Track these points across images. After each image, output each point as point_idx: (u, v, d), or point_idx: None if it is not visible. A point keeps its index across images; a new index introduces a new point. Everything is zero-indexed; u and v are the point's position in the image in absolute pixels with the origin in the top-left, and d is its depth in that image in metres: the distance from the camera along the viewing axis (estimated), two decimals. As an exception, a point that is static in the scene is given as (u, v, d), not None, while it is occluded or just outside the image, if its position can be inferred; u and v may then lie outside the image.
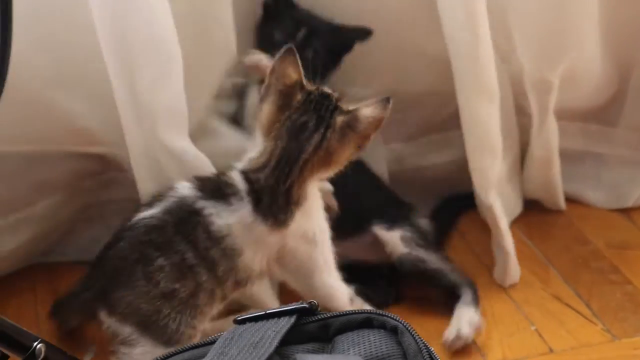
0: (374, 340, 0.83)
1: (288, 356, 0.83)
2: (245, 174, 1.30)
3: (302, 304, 0.87)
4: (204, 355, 0.84)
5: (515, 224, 1.67)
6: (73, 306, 1.37)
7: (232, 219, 1.28)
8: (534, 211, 1.70)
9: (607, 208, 1.71)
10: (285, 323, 0.85)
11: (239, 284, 1.31)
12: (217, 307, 1.32)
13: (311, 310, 0.87)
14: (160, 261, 1.27)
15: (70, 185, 1.59)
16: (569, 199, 1.71)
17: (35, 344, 1.00)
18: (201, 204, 1.28)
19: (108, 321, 1.29)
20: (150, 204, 1.31)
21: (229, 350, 0.82)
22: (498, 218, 1.51)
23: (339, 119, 1.28)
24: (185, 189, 1.30)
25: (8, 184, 1.53)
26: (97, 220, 1.62)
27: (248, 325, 0.86)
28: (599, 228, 1.66)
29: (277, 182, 1.28)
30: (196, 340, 1.23)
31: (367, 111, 1.28)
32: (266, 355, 0.81)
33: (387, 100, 1.27)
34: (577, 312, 1.47)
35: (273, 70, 1.30)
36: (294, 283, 1.37)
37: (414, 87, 1.61)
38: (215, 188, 1.30)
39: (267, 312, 0.88)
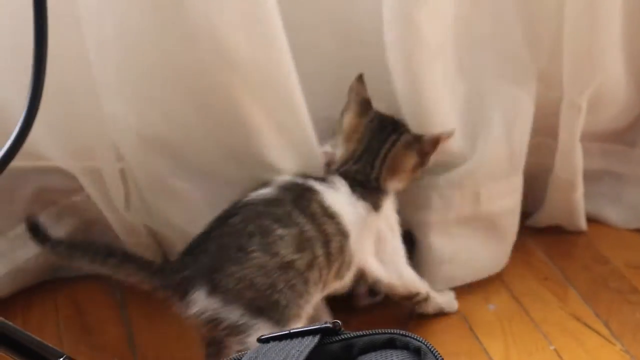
0: (397, 360, 0.83)
1: (312, 376, 0.83)
2: (337, 169, 1.43)
3: (326, 323, 0.86)
4: (228, 373, 0.84)
5: (534, 242, 1.67)
6: (161, 283, 1.31)
7: (339, 197, 1.39)
8: (553, 229, 1.69)
9: (627, 228, 1.71)
10: (309, 342, 0.85)
11: (340, 271, 1.36)
12: (319, 294, 1.35)
13: (335, 330, 0.87)
14: (280, 231, 1.30)
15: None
16: (589, 219, 1.70)
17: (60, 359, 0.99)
18: (312, 182, 1.39)
19: (206, 303, 1.27)
20: (262, 186, 1.37)
21: (254, 369, 0.82)
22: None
23: (406, 134, 1.45)
24: (291, 177, 1.40)
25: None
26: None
27: (272, 344, 0.86)
28: (618, 248, 1.66)
29: (365, 169, 1.43)
30: (301, 323, 1.30)
31: (428, 134, 1.44)
32: (290, 375, 0.81)
33: (450, 132, 1.44)
34: (596, 332, 1.46)
35: (351, 89, 1.45)
36: (385, 273, 1.44)
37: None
38: (319, 177, 1.41)
39: (291, 331, 0.87)
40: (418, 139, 1.44)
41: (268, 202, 1.34)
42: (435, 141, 1.43)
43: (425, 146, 1.43)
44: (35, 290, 1.59)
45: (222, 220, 1.33)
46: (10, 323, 0.98)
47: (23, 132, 0.72)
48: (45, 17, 0.76)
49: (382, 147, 1.43)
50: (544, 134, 1.65)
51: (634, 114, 1.70)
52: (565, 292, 1.55)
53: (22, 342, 0.98)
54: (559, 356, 1.41)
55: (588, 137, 1.65)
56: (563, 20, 1.51)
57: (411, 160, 1.44)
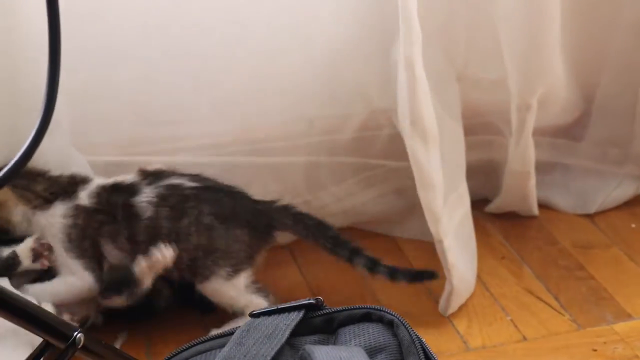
0: (373, 332, 0.84)
1: (297, 346, 0.84)
2: None
3: (309, 300, 0.88)
4: (223, 345, 0.85)
5: (492, 226, 1.68)
6: None
7: None
8: (509, 215, 1.71)
9: (574, 213, 1.72)
10: (295, 317, 0.86)
11: None
12: None
13: (317, 305, 0.88)
14: None
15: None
16: (541, 205, 1.71)
17: (76, 333, 1.00)
18: None
19: None
20: None
21: (246, 341, 0.83)
22: (447, 252, 1.42)
23: None
24: None
25: None
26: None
27: (262, 318, 0.87)
28: (566, 230, 1.67)
29: None
30: None
31: None
32: (279, 345, 0.82)
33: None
34: (547, 304, 1.47)
35: None
36: None
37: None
38: None
39: (279, 307, 0.88)
40: None
41: None
42: None
43: None
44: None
45: None
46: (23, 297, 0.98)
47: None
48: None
49: None
50: (494, 132, 1.67)
51: (578, 111, 1.71)
52: (520, 270, 1.56)
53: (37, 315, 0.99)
54: (515, 325, 1.42)
55: (539, 133, 1.66)
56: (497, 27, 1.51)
57: None
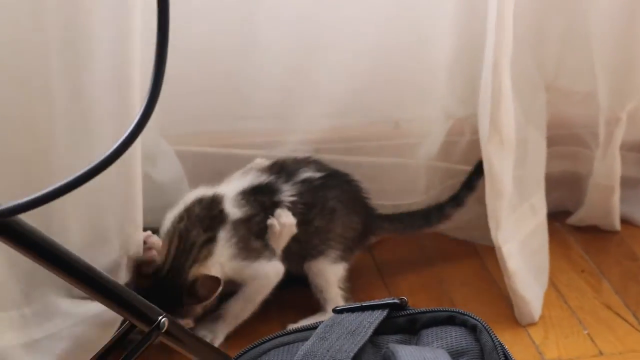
0: (456, 336, 0.82)
1: (380, 345, 0.83)
2: None
3: (394, 299, 0.86)
4: (306, 339, 0.84)
5: (573, 238, 1.65)
6: None
7: None
8: (590, 228, 1.67)
9: (656, 230, 1.67)
10: (379, 315, 0.85)
11: None
12: None
13: (401, 305, 0.87)
14: None
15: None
16: (623, 220, 1.67)
17: (160, 317, 1.00)
18: None
19: None
20: None
21: (329, 336, 0.82)
22: (506, 260, 1.40)
23: None
24: None
25: None
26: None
27: (345, 315, 0.86)
28: (648, 247, 1.63)
29: None
30: None
31: None
32: (362, 342, 0.80)
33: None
34: (625, 320, 1.44)
35: None
36: None
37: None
38: None
39: (363, 304, 0.87)
40: None
41: None
42: None
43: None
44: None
45: None
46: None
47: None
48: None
49: None
50: (581, 144, 1.63)
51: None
52: (599, 284, 1.53)
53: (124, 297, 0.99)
54: (592, 340, 1.39)
55: (625, 147, 1.62)
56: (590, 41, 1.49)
57: None
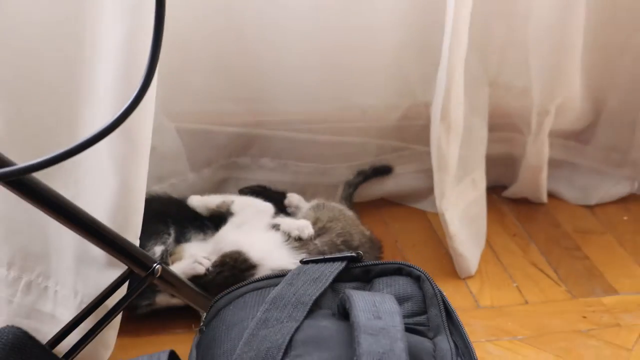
0: (402, 284, 0.81)
1: (339, 290, 0.82)
2: None
3: (351, 253, 0.85)
4: (277, 284, 0.83)
5: (507, 208, 1.63)
6: None
7: None
8: (522, 200, 1.66)
9: (577, 204, 1.66)
10: (339, 266, 0.84)
11: None
12: None
13: (358, 258, 0.85)
14: None
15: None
16: (549, 194, 1.66)
17: (155, 265, 0.98)
18: None
19: None
20: None
21: (296, 282, 0.81)
22: (448, 224, 1.39)
23: None
24: None
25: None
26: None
27: (310, 265, 0.85)
28: (569, 217, 1.62)
29: None
30: None
31: None
32: (323, 287, 0.79)
33: None
34: (548, 276, 1.43)
35: None
36: None
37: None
38: None
39: (325, 257, 0.86)
40: None
41: None
42: None
43: None
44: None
45: None
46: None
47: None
48: None
49: None
50: (516, 131, 1.61)
51: (587, 119, 1.66)
52: (527, 246, 1.52)
53: (124, 246, 0.95)
54: (519, 291, 1.39)
55: (553, 134, 1.61)
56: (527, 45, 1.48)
57: None
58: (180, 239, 1.23)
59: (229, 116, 1.50)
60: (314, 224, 1.26)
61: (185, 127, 1.46)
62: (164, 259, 1.18)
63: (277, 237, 1.23)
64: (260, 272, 1.17)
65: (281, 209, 1.38)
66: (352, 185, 1.53)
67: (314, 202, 1.38)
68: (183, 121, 1.45)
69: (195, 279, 1.14)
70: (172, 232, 1.24)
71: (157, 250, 1.20)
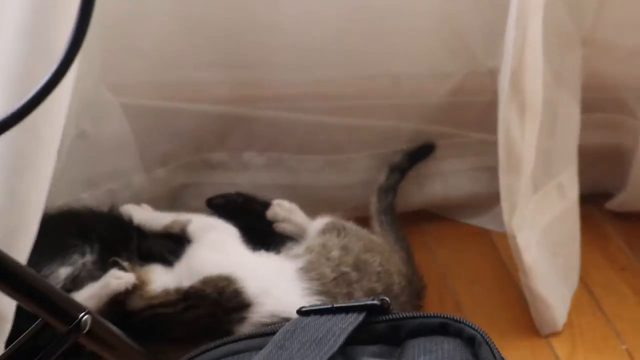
0: (448, 349, 0.81)
1: (353, 358, 0.82)
2: None
3: (373, 300, 0.85)
4: (262, 346, 0.83)
5: (613, 228, 1.65)
6: None
7: None
8: (635, 215, 1.66)
9: None
10: (353, 320, 0.84)
11: None
12: None
13: (383, 308, 0.86)
14: None
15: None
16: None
17: (82, 315, 0.98)
18: None
19: None
20: None
21: (290, 345, 0.81)
22: (522, 251, 1.39)
23: None
24: None
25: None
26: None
27: (312, 318, 0.85)
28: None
29: None
30: None
31: None
32: (329, 354, 0.80)
33: None
34: (674, 333, 1.44)
35: None
36: None
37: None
38: None
39: (335, 306, 0.86)
40: None
41: None
42: None
43: None
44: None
45: None
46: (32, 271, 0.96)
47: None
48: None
49: None
50: (625, 112, 1.63)
51: None
52: (643, 286, 1.53)
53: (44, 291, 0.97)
54: (630, 356, 1.39)
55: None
56: None
57: None
58: (106, 261, 1.26)
59: (199, 88, 1.52)
60: (340, 260, 1.28)
61: (135, 103, 1.48)
62: (70, 285, 1.21)
63: (286, 264, 1.26)
64: (254, 316, 1.19)
65: (266, 231, 1.40)
66: (391, 190, 1.55)
67: (325, 220, 1.39)
68: (133, 95, 1.48)
69: (155, 317, 1.16)
70: (90, 250, 1.27)
71: (62, 273, 1.22)
